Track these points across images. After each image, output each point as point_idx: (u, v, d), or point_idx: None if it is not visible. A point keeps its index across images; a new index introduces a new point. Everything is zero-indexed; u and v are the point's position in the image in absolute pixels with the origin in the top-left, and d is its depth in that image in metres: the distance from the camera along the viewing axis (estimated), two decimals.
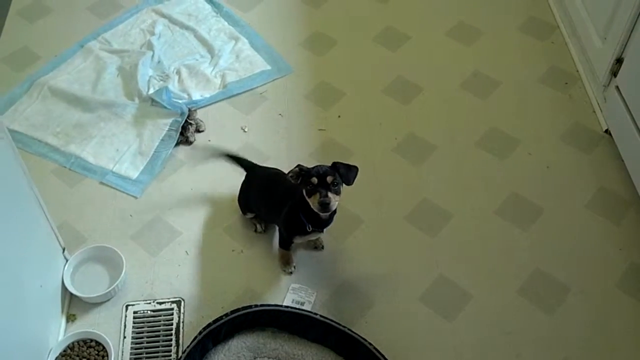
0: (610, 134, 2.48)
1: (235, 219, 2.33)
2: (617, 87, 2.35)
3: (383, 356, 1.94)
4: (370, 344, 1.97)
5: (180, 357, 1.93)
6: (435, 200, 2.38)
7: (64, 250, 2.15)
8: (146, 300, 2.15)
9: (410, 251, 2.26)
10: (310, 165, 1.95)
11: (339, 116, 2.63)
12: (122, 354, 2.03)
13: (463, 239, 2.29)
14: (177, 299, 2.15)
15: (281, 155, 2.51)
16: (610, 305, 2.12)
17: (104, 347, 2.00)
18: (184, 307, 2.13)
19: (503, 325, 2.09)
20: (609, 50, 2.39)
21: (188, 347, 1.94)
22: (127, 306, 2.14)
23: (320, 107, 2.67)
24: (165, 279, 2.20)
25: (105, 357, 1.98)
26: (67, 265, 2.14)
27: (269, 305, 2.03)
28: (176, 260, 2.24)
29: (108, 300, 2.14)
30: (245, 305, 2.03)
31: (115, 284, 2.12)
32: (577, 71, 2.73)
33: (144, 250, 2.27)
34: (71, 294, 2.12)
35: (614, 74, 2.38)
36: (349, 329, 1.99)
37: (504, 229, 2.31)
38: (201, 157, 2.51)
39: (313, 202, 1.91)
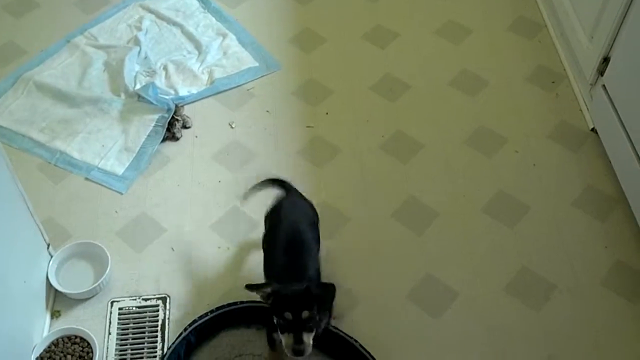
0: (596, 132, 2.49)
1: (222, 216, 2.32)
2: (603, 85, 2.36)
3: (369, 353, 1.94)
4: (356, 341, 1.96)
5: (166, 353, 1.92)
6: (422, 198, 2.38)
7: (48, 246, 2.13)
8: (131, 297, 2.14)
9: (397, 249, 2.26)
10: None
11: (327, 113, 2.63)
12: (107, 350, 2.02)
13: (450, 237, 2.28)
14: (163, 296, 2.14)
15: (269, 152, 2.50)
16: (595, 303, 2.13)
17: (88, 344, 1.98)
18: (169, 304, 2.12)
19: (489, 322, 2.09)
20: (595, 49, 2.40)
21: (173, 343, 1.93)
22: (112, 302, 2.12)
23: (308, 104, 2.66)
24: (151, 275, 2.19)
25: (90, 354, 1.97)
26: (51, 261, 2.12)
27: (253, 302, 2.02)
28: (162, 257, 2.23)
29: (93, 296, 2.12)
30: (230, 302, 2.02)
31: (100, 280, 2.10)
32: (564, 70, 2.74)
33: (129, 246, 2.25)
34: (56, 290, 2.10)
35: (601, 72, 2.38)
36: (333, 327, 1.99)
37: (490, 226, 2.31)
38: (249, 189, 2.21)
39: (285, 343, 1.68)
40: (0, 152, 1.81)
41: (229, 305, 2.01)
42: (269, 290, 1.69)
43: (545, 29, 2.91)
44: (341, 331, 1.99)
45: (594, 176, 2.42)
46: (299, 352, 1.65)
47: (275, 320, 1.69)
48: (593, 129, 2.52)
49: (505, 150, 2.51)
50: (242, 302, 2.02)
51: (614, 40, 2.29)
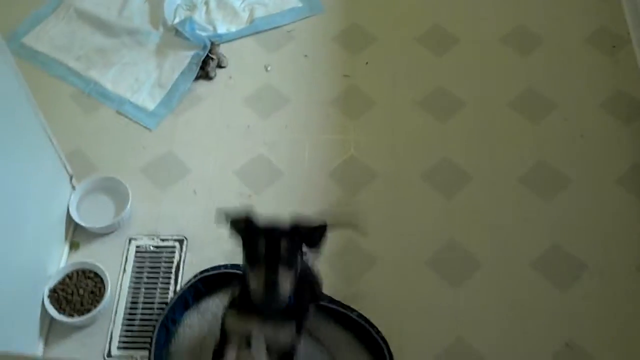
0: None
1: (247, 162, 2.27)
2: None
3: (368, 322, 1.89)
4: (352, 310, 1.92)
5: (173, 298, 1.92)
6: (455, 160, 2.26)
7: (71, 178, 2.13)
8: (149, 236, 2.13)
9: (423, 211, 2.17)
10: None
11: (367, 63, 2.51)
12: (121, 288, 2.03)
13: (480, 204, 2.18)
14: (180, 238, 2.13)
15: (302, 100, 2.42)
16: (627, 289, 2.01)
17: (102, 279, 2.00)
18: (186, 247, 2.11)
19: (509, 297, 2.00)
20: None
21: (181, 288, 1.93)
22: (130, 240, 2.13)
23: (348, 51, 2.54)
24: (171, 216, 2.17)
25: (102, 290, 1.98)
26: (73, 194, 2.13)
27: None
28: (183, 198, 2.21)
29: (112, 232, 2.13)
30: None
31: (120, 216, 2.10)
32: (628, 33, 2.52)
33: (152, 184, 2.24)
34: (76, 222, 2.11)
35: None
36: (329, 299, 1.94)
37: (525, 197, 2.19)
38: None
39: (253, 284, 1.37)
40: (20, 84, 1.78)
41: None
42: (244, 217, 1.43)
43: None
44: (339, 302, 1.94)
45: None
46: (271, 288, 1.33)
47: (244, 257, 1.40)
48: None
49: (552, 116, 2.36)
50: None
51: None
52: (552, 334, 1.94)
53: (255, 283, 1.38)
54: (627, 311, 1.97)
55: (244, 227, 1.44)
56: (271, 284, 1.35)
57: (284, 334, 1.52)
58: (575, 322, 1.95)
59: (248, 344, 1.57)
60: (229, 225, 1.47)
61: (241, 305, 1.53)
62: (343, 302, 1.94)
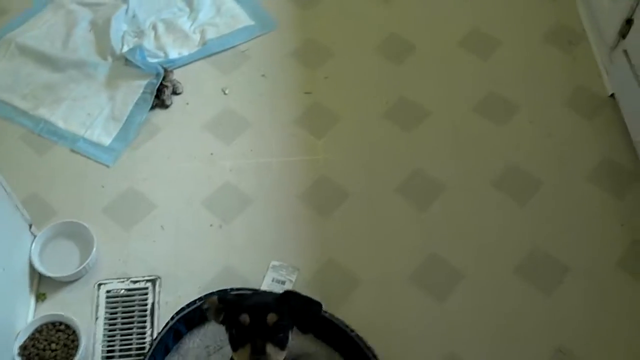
0: (615, 99, 2.32)
1: (213, 191, 2.19)
2: (624, 50, 2.18)
3: (364, 343, 1.83)
4: (352, 330, 1.86)
5: (152, 344, 1.82)
6: (427, 171, 2.23)
7: (30, 226, 2.02)
8: (119, 279, 2.03)
9: (400, 226, 2.12)
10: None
11: (326, 77, 2.45)
12: (95, 338, 1.92)
13: (456, 213, 2.15)
14: (153, 278, 2.03)
15: (264, 121, 2.35)
16: (610, 285, 2.00)
17: (74, 331, 1.89)
18: (159, 286, 2.02)
19: (497, 307, 1.97)
20: (618, 10, 2.19)
21: (159, 334, 1.83)
22: (99, 285, 2.02)
23: (306, 67, 2.48)
24: (140, 255, 2.07)
25: (76, 341, 1.87)
26: (34, 242, 2.01)
27: (245, 289, 1.91)
28: (151, 236, 2.11)
29: (79, 278, 2.02)
30: (220, 289, 1.91)
31: (86, 262, 1.99)
32: (584, 29, 2.53)
33: (116, 224, 2.13)
34: (40, 272, 1.99)
35: (623, 35, 2.19)
36: (329, 314, 1.88)
37: (500, 202, 2.16)
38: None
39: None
40: None
41: (219, 292, 1.90)
42: (215, 301, 1.29)
43: None
44: (336, 319, 1.87)
45: (612, 148, 2.25)
46: None
47: (229, 337, 1.28)
48: (612, 95, 2.34)
49: (517, 118, 2.34)
50: (232, 289, 1.90)
51: (638, 2, 2.09)
52: (543, 340, 1.91)
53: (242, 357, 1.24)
54: (614, 308, 1.96)
55: (222, 310, 1.31)
56: (259, 353, 1.22)
57: None
58: (564, 326, 1.93)
59: None
60: (207, 315, 1.35)
61: None
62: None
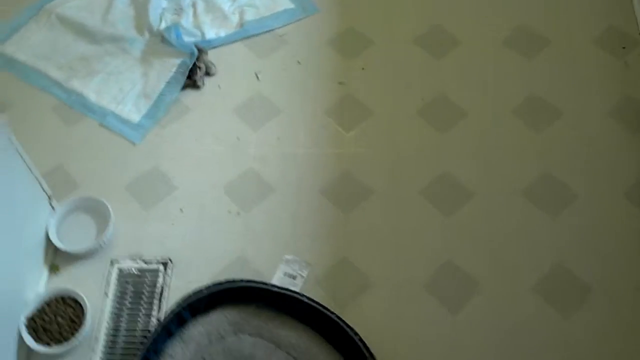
0: None
1: (236, 177, 2.16)
2: None
3: (368, 350, 1.78)
4: (356, 334, 1.80)
5: (156, 329, 1.82)
6: (456, 176, 2.14)
7: (50, 198, 2.03)
8: (133, 258, 2.03)
9: (421, 231, 2.05)
10: None
11: (363, 68, 2.38)
12: (102, 314, 1.93)
13: (481, 222, 2.06)
14: (165, 260, 2.02)
15: (294, 110, 2.30)
16: (633, 307, 1.89)
17: (82, 307, 1.90)
18: (171, 270, 2.01)
19: (510, 324, 1.88)
20: None
21: (164, 319, 1.82)
22: (112, 262, 2.02)
23: (343, 56, 2.42)
24: (156, 237, 2.07)
25: (82, 317, 1.88)
26: (52, 215, 2.03)
27: (254, 282, 1.88)
28: (169, 218, 2.10)
29: (93, 254, 2.03)
30: (229, 279, 1.89)
31: (102, 238, 2.00)
32: (639, 34, 2.37)
33: (137, 202, 2.13)
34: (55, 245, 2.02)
35: None
36: (336, 316, 1.83)
37: (529, 213, 2.06)
38: None
39: None
40: None
41: (227, 282, 1.88)
42: None
43: None
44: (343, 321, 1.82)
45: None
46: None
47: None
48: None
49: (557, 125, 2.22)
50: (241, 281, 1.88)
51: None
52: None
53: None
54: (632, 338, 1.85)
55: None
56: None
57: None
58: (578, 352, 1.83)
59: None
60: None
61: None
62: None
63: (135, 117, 2.29)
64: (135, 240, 2.06)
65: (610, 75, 2.31)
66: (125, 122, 2.28)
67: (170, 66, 2.35)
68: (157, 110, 2.29)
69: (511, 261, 1.98)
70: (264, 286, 1.88)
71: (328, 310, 1.84)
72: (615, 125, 2.20)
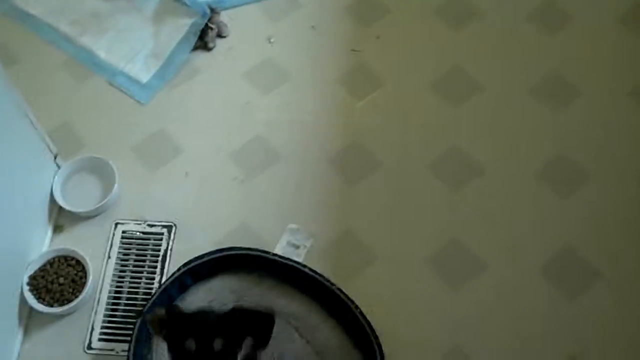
0: None
1: (243, 143, 2.13)
2: None
3: (369, 323, 1.76)
4: (357, 307, 1.79)
5: (156, 292, 1.81)
6: (467, 151, 2.10)
7: (55, 157, 2.02)
8: (137, 221, 2.02)
9: (428, 206, 2.02)
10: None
11: (378, 37, 2.32)
12: (104, 276, 1.93)
13: (490, 200, 2.02)
14: (169, 224, 2.01)
15: (305, 76, 2.25)
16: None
17: (84, 267, 1.90)
18: (174, 234, 2.00)
19: (514, 305, 1.87)
20: None
21: (164, 283, 1.82)
22: (116, 224, 2.02)
23: (359, 23, 2.35)
24: (160, 199, 2.05)
25: (84, 279, 1.89)
26: (57, 174, 2.01)
27: (255, 250, 1.86)
28: (174, 181, 2.08)
29: (98, 215, 2.02)
30: (231, 246, 1.88)
31: (106, 199, 1.99)
32: None
33: (142, 164, 2.11)
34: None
35: None
36: (338, 288, 1.81)
37: (540, 195, 2.02)
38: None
39: None
40: None
41: (229, 249, 1.86)
42: (162, 314, 1.22)
43: None
44: (343, 293, 1.80)
45: None
46: None
47: (171, 357, 1.20)
48: None
49: (576, 105, 2.16)
50: (242, 249, 1.86)
51: None
52: (557, 347, 1.81)
53: None
54: (638, 323, 1.83)
55: (166, 326, 1.24)
56: None
57: None
58: (582, 336, 1.82)
59: None
60: (149, 327, 1.27)
61: None
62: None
63: (144, 77, 2.26)
64: (139, 202, 2.05)
65: (634, 55, 2.24)
66: (134, 81, 2.25)
67: (182, 26, 2.31)
68: (167, 71, 2.26)
69: (519, 241, 1.96)
70: (266, 255, 1.86)
71: (329, 282, 1.83)
72: (636, 106, 2.14)
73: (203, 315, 1.21)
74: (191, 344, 1.16)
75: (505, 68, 2.25)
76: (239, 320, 1.22)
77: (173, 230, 2.00)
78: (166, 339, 1.23)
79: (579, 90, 2.18)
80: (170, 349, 1.21)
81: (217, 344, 1.16)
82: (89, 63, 2.29)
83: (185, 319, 1.21)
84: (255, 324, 1.25)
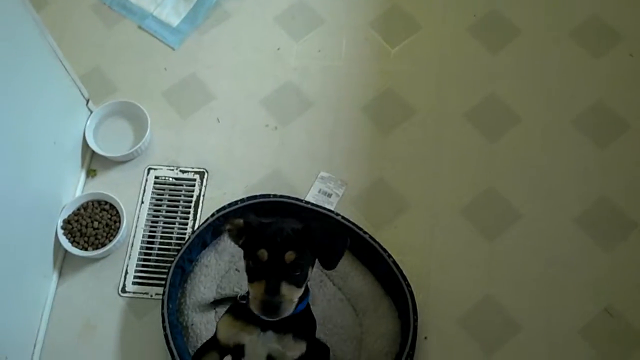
0: None
1: (275, 89, 2.10)
2: None
3: (401, 272, 1.76)
4: (389, 255, 1.79)
5: (190, 237, 1.82)
6: (504, 99, 2.05)
7: (87, 101, 2.01)
8: (169, 167, 2.02)
9: (463, 154, 1.99)
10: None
11: None
12: (138, 220, 1.95)
13: (526, 148, 1.99)
14: (201, 170, 2.01)
15: (339, 20, 2.20)
16: None
17: (117, 212, 1.92)
18: (206, 180, 2.00)
19: (547, 255, 1.86)
20: None
21: (198, 228, 1.83)
22: (149, 169, 2.02)
23: None
24: (192, 145, 2.05)
25: (118, 223, 1.90)
26: (90, 119, 2.01)
27: (288, 197, 1.86)
28: (206, 127, 2.07)
29: (130, 160, 2.03)
30: (264, 193, 1.87)
31: (139, 144, 1.99)
32: None
33: (174, 110, 2.10)
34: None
35: None
36: (370, 236, 1.81)
37: (578, 143, 1.99)
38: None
39: (253, 295, 1.24)
40: (27, 6, 1.62)
41: (262, 196, 1.86)
42: (241, 223, 1.27)
43: None
44: (376, 242, 1.80)
45: None
46: (270, 306, 1.19)
47: (245, 265, 1.26)
48: None
49: (616, 50, 2.10)
50: (275, 196, 1.86)
51: None
52: (591, 297, 1.80)
53: (255, 293, 1.23)
54: None
55: (243, 235, 1.29)
56: (271, 305, 1.21)
57: (289, 348, 1.33)
58: (617, 287, 1.80)
59: (242, 354, 1.37)
60: (227, 235, 1.33)
61: (239, 313, 1.37)
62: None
63: (174, 21, 2.22)
64: (171, 148, 2.04)
65: None
66: (164, 25, 2.22)
67: None
68: (197, 15, 2.22)
69: (555, 191, 1.93)
70: (298, 202, 1.86)
71: (362, 230, 1.82)
72: None
73: (278, 225, 1.25)
74: (263, 254, 1.21)
75: (544, 9, 2.18)
76: (313, 237, 1.26)
77: (205, 177, 2.00)
78: (243, 247, 1.29)
79: (620, 33, 2.11)
80: (245, 256, 1.28)
81: (289, 256, 1.21)
82: (119, 7, 2.26)
83: (261, 229, 1.26)
84: (327, 245, 1.28)
